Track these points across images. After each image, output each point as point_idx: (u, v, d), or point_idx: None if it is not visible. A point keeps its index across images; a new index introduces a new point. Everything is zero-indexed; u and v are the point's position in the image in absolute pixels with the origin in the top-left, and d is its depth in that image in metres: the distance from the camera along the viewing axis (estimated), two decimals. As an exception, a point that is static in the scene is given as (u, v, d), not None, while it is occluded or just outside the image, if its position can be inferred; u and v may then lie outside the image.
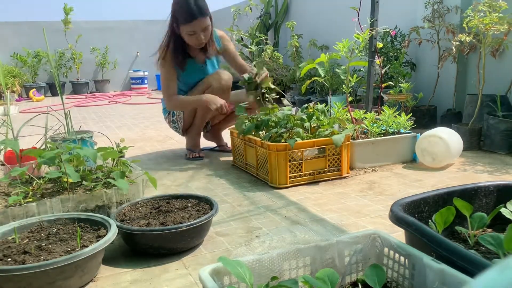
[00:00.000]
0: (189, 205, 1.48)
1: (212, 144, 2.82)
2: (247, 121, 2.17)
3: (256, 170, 2.11)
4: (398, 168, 2.19)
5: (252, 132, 2.13)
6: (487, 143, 2.45)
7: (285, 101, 2.30)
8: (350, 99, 2.36)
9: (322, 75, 2.15)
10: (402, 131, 2.31)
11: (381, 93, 2.82)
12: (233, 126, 2.38)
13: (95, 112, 5.11)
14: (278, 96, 2.27)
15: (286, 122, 2.05)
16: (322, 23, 5.06)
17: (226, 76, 2.44)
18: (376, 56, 2.50)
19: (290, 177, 1.94)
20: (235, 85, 2.51)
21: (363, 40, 2.12)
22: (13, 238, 1.23)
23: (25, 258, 1.11)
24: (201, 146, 2.66)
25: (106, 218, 1.29)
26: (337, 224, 1.51)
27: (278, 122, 2.07)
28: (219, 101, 2.34)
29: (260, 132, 2.13)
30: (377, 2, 2.45)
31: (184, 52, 2.39)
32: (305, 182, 1.97)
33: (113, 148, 1.64)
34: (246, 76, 2.23)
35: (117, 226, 1.27)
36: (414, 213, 1.14)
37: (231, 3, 6.71)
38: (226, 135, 2.72)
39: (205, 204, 1.48)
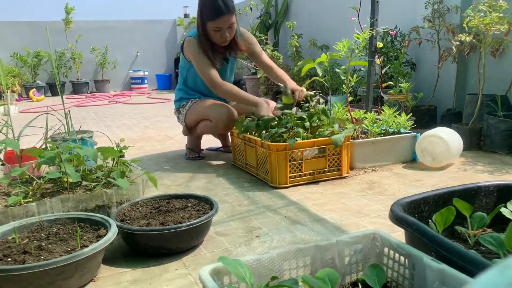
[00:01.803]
0: (189, 205, 1.48)
1: (217, 143, 2.82)
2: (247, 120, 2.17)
3: (256, 170, 2.11)
4: (398, 168, 2.19)
5: (252, 131, 2.13)
6: (487, 143, 2.45)
7: (316, 98, 2.25)
8: (350, 99, 2.36)
9: (320, 74, 2.14)
10: (402, 131, 2.31)
11: (381, 93, 2.82)
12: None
13: (95, 112, 5.11)
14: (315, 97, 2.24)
15: (287, 122, 2.05)
16: (322, 23, 5.05)
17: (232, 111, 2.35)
18: (376, 56, 2.50)
19: (290, 177, 1.94)
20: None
21: (363, 40, 2.12)
22: (13, 238, 1.23)
23: (25, 258, 1.11)
24: (207, 146, 2.66)
25: (106, 218, 1.29)
26: (337, 224, 1.51)
27: (278, 122, 2.07)
28: (268, 111, 2.22)
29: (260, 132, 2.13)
30: (377, 2, 2.45)
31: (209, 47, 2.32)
32: (305, 182, 1.97)
33: (113, 148, 1.64)
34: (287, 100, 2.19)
35: (117, 226, 1.27)
36: (414, 213, 1.14)
37: (231, 3, 6.70)
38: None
39: (205, 204, 1.48)
